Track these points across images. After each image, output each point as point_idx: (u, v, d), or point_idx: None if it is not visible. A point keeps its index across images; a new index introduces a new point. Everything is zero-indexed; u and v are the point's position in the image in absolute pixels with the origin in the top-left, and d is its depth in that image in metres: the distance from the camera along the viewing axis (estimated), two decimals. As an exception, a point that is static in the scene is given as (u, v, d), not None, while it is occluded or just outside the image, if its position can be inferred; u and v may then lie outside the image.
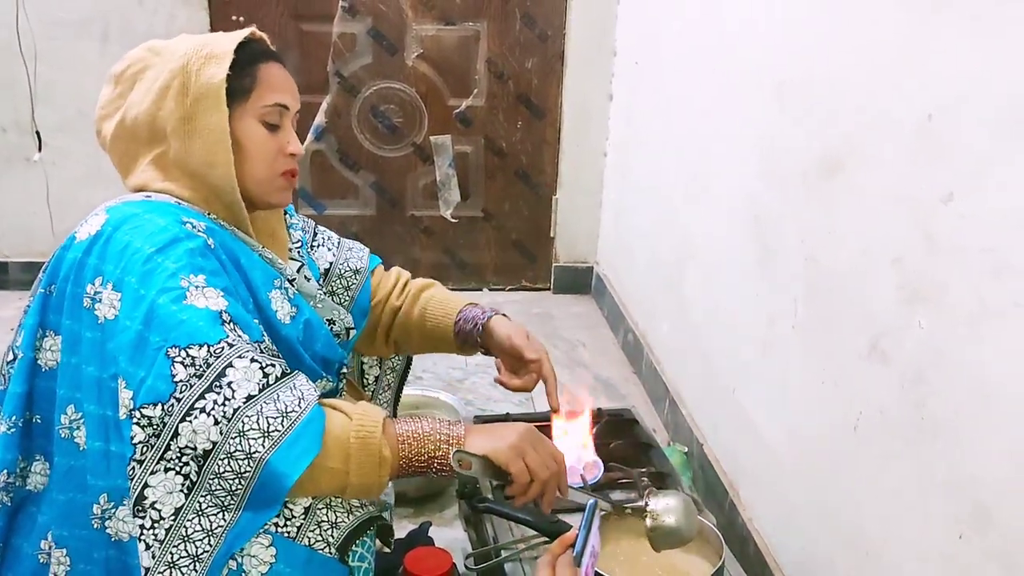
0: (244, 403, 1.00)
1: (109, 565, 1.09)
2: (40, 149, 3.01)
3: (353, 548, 1.07)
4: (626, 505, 1.34)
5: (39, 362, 1.14)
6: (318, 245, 1.47)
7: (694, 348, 2.17)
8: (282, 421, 1.01)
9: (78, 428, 1.10)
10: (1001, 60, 1.02)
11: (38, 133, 3.00)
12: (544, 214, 3.29)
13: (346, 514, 1.07)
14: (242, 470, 0.99)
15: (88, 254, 1.10)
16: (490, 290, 3.31)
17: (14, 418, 1.13)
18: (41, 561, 1.13)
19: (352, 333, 1.40)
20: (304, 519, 1.04)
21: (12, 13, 2.84)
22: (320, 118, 3.08)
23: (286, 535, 1.03)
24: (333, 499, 1.07)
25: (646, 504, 1.27)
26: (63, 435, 1.11)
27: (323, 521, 1.05)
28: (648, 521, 1.26)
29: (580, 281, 3.35)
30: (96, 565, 1.10)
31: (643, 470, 1.74)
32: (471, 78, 3.12)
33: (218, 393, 1.00)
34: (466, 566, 1.57)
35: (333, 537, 1.05)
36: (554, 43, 3.10)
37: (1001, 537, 1.01)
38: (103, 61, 2.90)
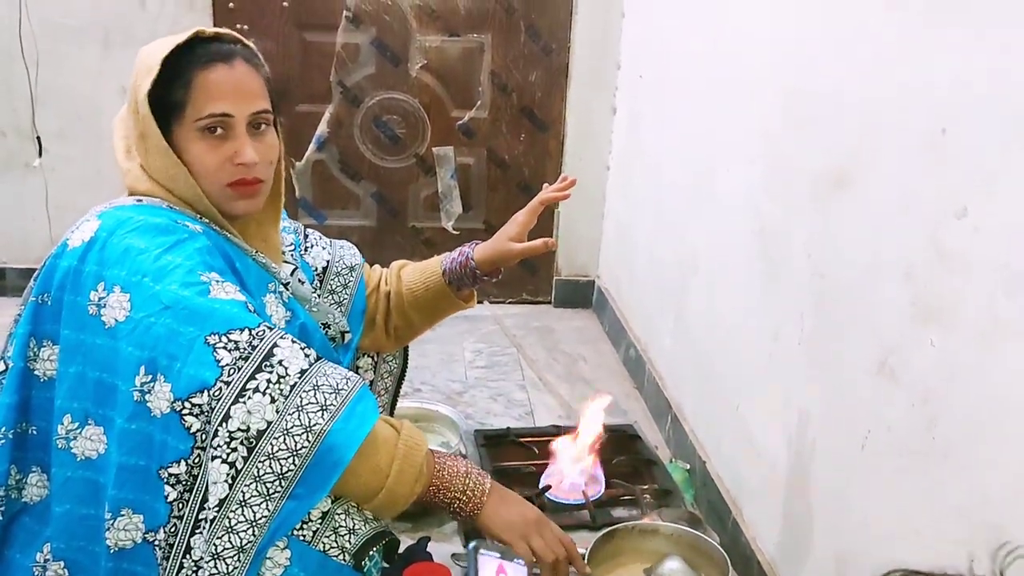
0: (299, 378, 1.00)
1: None
2: (40, 154, 2.99)
3: (366, 559, 1.06)
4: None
5: (36, 372, 1.12)
6: (311, 246, 1.46)
7: (697, 364, 2.15)
8: (336, 396, 1.02)
9: (75, 439, 1.08)
10: (1014, 71, 1.00)
11: (39, 138, 2.98)
12: (546, 227, 3.27)
13: (364, 523, 1.07)
14: (298, 446, 0.98)
15: (84, 261, 1.08)
16: (490, 302, 3.28)
17: (3, 429, 1.11)
18: (36, 574, 1.11)
19: (347, 337, 1.40)
20: (320, 524, 1.03)
21: (14, 17, 2.82)
22: (322, 128, 3.07)
23: (301, 539, 1.02)
24: (351, 506, 1.07)
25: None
26: (60, 446, 1.09)
27: (340, 527, 1.04)
28: None
29: (581, 295, 3.32)
30: None
31: (645, 487, 1.72)
32: (474, 90, 3.11)
33: (270, 372, 1.00)
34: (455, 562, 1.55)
35: (350, 543, 1.04)
36: (558, 56, 3.09)
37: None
38: (105, 66, 2.89)
